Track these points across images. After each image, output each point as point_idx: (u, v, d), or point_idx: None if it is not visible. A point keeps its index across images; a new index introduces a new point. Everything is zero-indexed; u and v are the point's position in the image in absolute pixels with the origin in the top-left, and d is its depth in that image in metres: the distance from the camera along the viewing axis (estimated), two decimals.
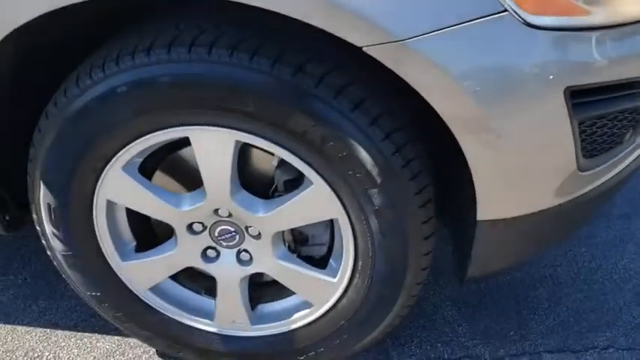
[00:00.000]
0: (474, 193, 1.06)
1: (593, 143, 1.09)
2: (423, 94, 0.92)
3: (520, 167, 1.03)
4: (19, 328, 1.50)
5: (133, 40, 1.01)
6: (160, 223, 1.26)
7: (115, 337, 1.48)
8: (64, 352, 1.44)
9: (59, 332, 1.50)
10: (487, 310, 1.57)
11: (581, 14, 0.95)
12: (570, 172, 1.08)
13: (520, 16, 0.90)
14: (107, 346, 1.46)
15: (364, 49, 0.89)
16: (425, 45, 0.88)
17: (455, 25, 0.88)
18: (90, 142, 1.07)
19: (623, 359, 1.43)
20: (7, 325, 1.51)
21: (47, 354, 1.44)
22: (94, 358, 1.43)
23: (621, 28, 1.00)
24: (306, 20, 0.88)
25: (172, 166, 1.20)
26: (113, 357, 1.43)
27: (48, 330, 1.50)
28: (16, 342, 1.46)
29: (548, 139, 1.01)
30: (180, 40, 0.98)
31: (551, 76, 0.94)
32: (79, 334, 1.50)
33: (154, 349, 1.45)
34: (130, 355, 1.44)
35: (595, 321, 1.53)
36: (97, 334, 1.49)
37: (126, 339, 1.48)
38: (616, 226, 1.86)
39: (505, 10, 0.89)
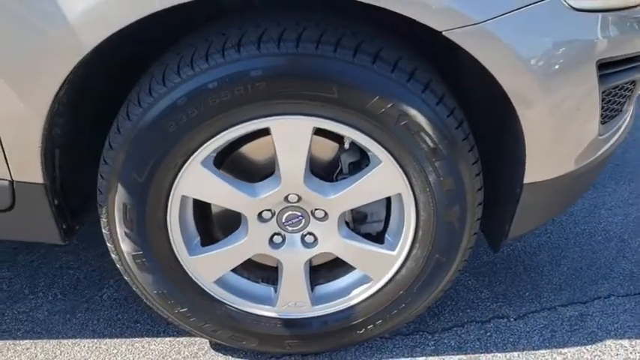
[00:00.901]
0: (516, 163, 1.20)
1: (607, 111, 1.27)
2: (493, 71, 1.05)
3: (561, 133, 1.18)
4: (64, 341, 1.48)
5: (220, 38, 1.07)
6: (223, 216, 1.32)
7: (167, 339, 1.49)
8: (118, 358, 1.43)
9: (107, 341, 1.48)
10: (501, 277, 1.72)
11: None
12: (593, 136, 1.25)
13: (565, 1, 1.05)
14: (160, 348, 1.46)
15: (444, 33, 1.01)
16: (496, 27, 1.01)
17: (518, 9, 1.02)
18: (175, 139, 1.11)
19: (624, 304, 1.62)
20: (51, 340, 1.48)
21: None
22: None
23: (632, 9, 1.18)
24: (398, 10, 0.99)
25: (235, 161, 1.26)
26: (170, 356, 1.44)
27: (95, 340, 1.48)
28: (66, 355, 1.44)
29: (582, 107, 1.17)
30: (268, 35, 1.05)
31: (588, 51, 1.11)
32: (128, 340, 1.49)
33: (209, 346, 1.47)
34: (186, 353, 1.45)
35: (593, 275, 1.72)
36: (147, 338, 1.49)
37: (178, 338, 1.49)
38: (587, 195, 2.08)
39: None
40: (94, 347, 1.46)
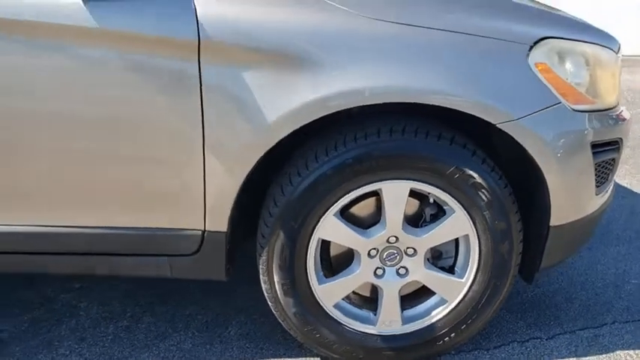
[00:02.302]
0: (544, 212, 1.73)
1: (599, 178, 1.82)
2: (528, 150, 1.60)
3: (574, 193, 1.72)
4: None
5: (352, 130, 1.61)
6: (339, 254, 1.79)
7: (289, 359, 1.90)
8: None
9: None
10: (529, 312, 2.17)
11: (593, 104, 1.71)
12: (592, 194, 1.79)
13: (568, 105, 1.64)
14: None
15: (497, 125, 1.58)
16: (528, 122, 1.58)
17: (541, 110, 1.59)
18: (321, 198, 1.62)
19: (626, 327, 2.08)
20: None
21: None
22: None
23: (608, 111, 1.78)
24: (470, 112, 1.55)
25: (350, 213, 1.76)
26: None
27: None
28: None
29: (585, 174, 1.72)
30: (384, 129, 1.61)
31: (585, 137, 1.68)
32: None
33: None
34: None
35: (599, 309, 2.19)
36: (273, 359, 1.90)
37: (297, 359, 1.90)
38: (584, 255, 2.59)
39: (560, 102, 1.62)
40: None
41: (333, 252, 1.81)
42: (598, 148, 1.75)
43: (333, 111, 1.54)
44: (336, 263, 1.82)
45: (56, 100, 1.53)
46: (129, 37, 1.47)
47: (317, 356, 1.89)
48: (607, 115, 1.79)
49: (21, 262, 1.71)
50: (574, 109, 1.66)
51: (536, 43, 1.62)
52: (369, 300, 1.86)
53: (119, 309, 2.16)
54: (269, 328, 2.03)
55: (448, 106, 1.56)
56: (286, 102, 1.53)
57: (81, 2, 1.45)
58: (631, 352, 1.96)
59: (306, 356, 1.90)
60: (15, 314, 2.10)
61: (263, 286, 1.76)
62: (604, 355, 1.93)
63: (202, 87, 1.51)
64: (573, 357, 1.92)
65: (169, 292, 2.25)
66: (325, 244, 1.77)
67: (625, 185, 3.52)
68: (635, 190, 3.44)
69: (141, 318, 2.11)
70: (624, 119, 1.87)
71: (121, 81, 1.50)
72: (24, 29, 1.48)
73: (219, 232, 1.66)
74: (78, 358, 1.88)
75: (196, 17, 1.47)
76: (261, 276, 1.74)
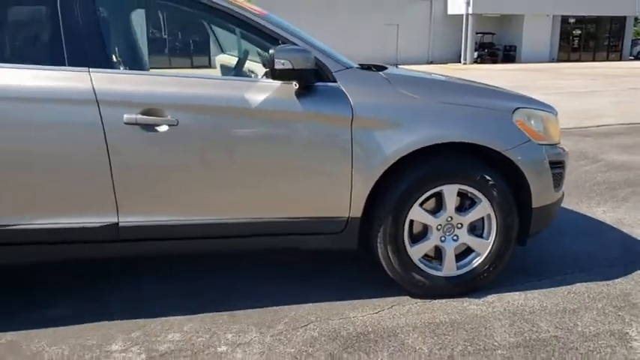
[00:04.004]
0: (528, 199, 3.06)
1: (555, 182, 3.19)
2: (519, 166, 2.96)
3: (543, 189, 3.07)
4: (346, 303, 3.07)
5: (429, 159, 2.95)
6: (417, 232, 3.07)
7: (390, 298, 3.10)
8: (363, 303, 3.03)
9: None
10: (522, 269, 3.44)
11: (545, 140, 3.11)
12: (552, 191, 3.15)
13: (534, 141, 3.03)
14: (386, 300, 3.07)
15: (502, 152, 2.94)
16: (514, 151, 2.95)
17: (521, 144, 2.98)
18: (411, 196, 2.91)
19: (580, 275, 3.37)
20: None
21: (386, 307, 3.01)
22: (392, 304, 3.03)
23: (555, 145, 3.18)
24: (486, 146, 2.91)
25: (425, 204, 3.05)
26: (399, 306, 3.04)
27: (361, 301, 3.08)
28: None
29: (547, 179, 3.09)
30: (443, 159, 2.95)
31: (545, 157, 3.06)
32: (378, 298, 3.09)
33: (407, 298, 3.08)
34: (397, 301, 3.06)
35: (563, 266, 3.49)
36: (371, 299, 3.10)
37: (394, 297, 3.10)
38: (547, 242, 3.91)
39: (530, 140, 3.02)
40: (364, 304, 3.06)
41: (414, 230, 3.09)
42: (552, 165, 3.13)
43: (414, 149, 2.86)
44: (416, 235, 3.09)
45: (282, 152, 2.81)
46: (319, 116, 2.81)
47: (400, 295, 3.10)
48: (555, 147, 3.19)
49: (246, 242, 2.93)
50: (538, 144, 3.05)
51: (514, 110, 3.04)
52: (434, 258, 3.12)
53: (273, 273, 3.34)
54: (362, 282, 3.23)
55: (475, 143, 2.92)
56: (391, 146, 2.86)
57: (295, 97, 2.78)
58: (584, 283, 3.25)
59: (398, 295, 3.11)
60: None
61: (379, 251, 3.00)
62: (570, 286, 3.22)
63: (352, 140, 2.83)
64: (553, 287, 3.20)
65: (291, 265, 3.44)
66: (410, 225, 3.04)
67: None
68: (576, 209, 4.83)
69: (276, 277, 3.28)
70: (564, 150, 3.28)
71: (313, 138, 2.82)
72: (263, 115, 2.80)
73: (357, 217, 2.93)
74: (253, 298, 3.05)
75: (350, 105, 2.82)
76: (378, 244, 2.99)
